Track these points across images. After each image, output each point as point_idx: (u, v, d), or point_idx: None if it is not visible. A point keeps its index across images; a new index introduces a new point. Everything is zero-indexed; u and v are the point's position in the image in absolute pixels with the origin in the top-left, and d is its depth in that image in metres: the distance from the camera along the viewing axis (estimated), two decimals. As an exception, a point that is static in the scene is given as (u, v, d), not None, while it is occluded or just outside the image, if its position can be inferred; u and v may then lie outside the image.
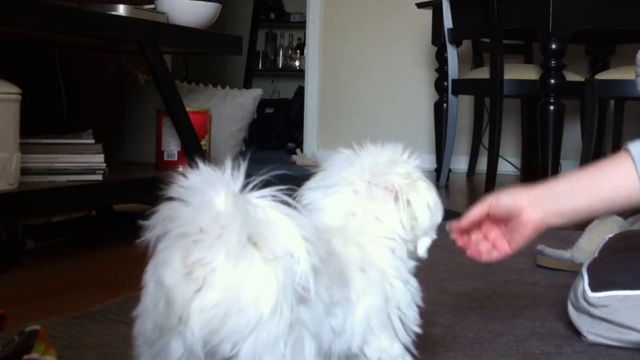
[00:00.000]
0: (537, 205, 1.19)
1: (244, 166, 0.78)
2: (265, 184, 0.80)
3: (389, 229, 0.94)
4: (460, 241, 1.22)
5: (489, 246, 1.22)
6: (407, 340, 0.93)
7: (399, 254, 0.95)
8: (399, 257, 0.94)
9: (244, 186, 0.77)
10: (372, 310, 0.89)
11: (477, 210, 1.20)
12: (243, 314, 0.72)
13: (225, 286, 0.72)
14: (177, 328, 0.72)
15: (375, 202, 0.94)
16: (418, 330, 0.94)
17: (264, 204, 0.77)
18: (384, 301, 0.91)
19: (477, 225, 1.22)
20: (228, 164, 0.77)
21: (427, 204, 0.96)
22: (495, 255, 1.22)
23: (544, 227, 1.20)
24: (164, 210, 0.76)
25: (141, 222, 0.76)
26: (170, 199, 0.76)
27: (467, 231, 1.22)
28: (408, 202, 0.94)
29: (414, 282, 0.96)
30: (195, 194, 0.75)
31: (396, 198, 0.94)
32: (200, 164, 0.77)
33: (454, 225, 1.20)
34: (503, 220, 1.21)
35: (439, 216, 0.98)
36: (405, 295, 0.93)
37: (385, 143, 0.98)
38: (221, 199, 0.74)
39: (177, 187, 0.75)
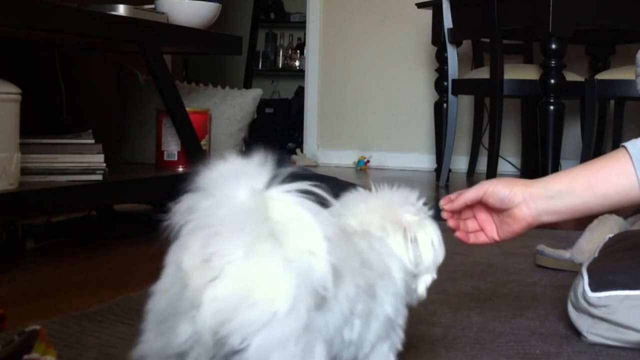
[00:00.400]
0: (532, 203, 1.19)
1: (271, 159, 0.77)
2: (294, 178, 0.79)
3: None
4: (451, 222, 1.22)
5: (477, 227, 1.24)
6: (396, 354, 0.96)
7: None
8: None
9: (271, 180, 0.77)
10: (386, 321, 0.92)
11: (471, 194, 1.21)
12: (255, 309, 0.72)
13: (239, 279, 0.72)
14: (189, 312, 0.73)
15: (385, 233, 0.99)
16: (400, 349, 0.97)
17: (288, 199, 0.76)
18: (394, 313, 0.93)
19: (469, 205, 1.23)
20: (256, 157, 0.77)
21: (432, 241, 1.01)
22: (482, 239, 1.24)
23: (537, 224, 1.21)
24: (187, 201, 0.77)
25: (162, 215, 0.77)
26: (195, 190, 0.76)
27: (458, 211, 1.23)
28: (415, 238, 1.00)
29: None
30: (219, 187, 0.75)
31: (405, 234, 0.99)
32: (229, 156, 0.77)
33: (447, 204, 1.21)
34: (494, 209, 1.22)
35: (441, 256, 1.03)
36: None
37: (399, 186, 1.03)
38: (243, 193, 0.74)
39: (203, 179, 0.76)
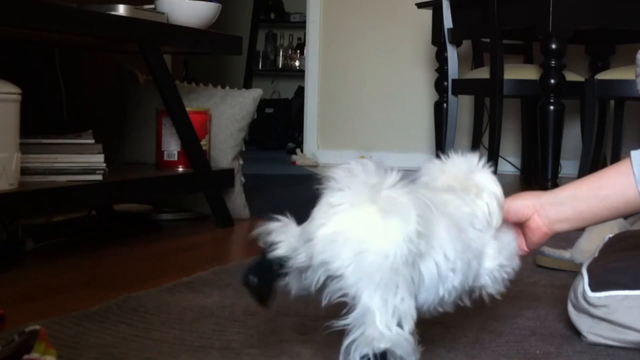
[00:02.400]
0: (543, 213, 1.24)
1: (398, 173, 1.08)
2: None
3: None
4: None
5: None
6: None
7: None
8: None
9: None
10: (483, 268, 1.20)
11: None
12: (348, 246, 1.00)
13: (340, 224, 1.02)
14: (308, 242, 1.03)
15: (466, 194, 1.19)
16: None
17: (401, 188, 1.05)
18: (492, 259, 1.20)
19: None
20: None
21: (497, 198, 1.21)
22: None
23: (552, 233, 1.26)
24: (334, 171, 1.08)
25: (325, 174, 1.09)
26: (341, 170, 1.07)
27: None
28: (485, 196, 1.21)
29: None
30: (358, 172, 1.06)
31: (478, 194, 1.20)
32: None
33: None
34: (515, 223, 1.27)
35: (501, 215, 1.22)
36: None
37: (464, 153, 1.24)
38: (370, 180, 1.05)
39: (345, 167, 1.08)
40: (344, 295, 1.02)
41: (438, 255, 1.07)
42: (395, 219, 1.01)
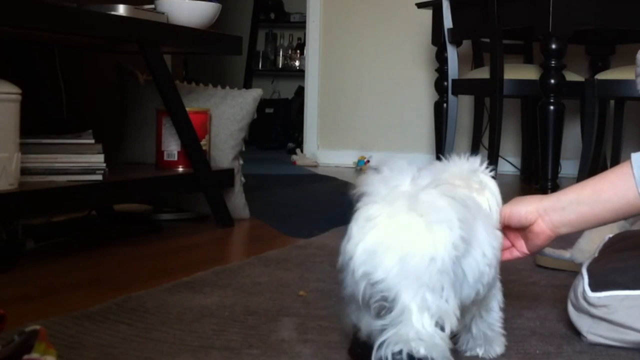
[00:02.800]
0: (547, 217, 1.25)
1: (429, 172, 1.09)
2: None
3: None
4: None
5: (509, 244, 1.31)
6: None
7: None
8: None
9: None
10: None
11: None
12: (391, 252, 1.00)
13: (380, 235, 1.01)
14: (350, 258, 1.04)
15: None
16: None
17: (435, 192, 1.05)
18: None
19: None
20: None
21: (496, 198, 1.24)
22: (515, 254, 1.31)
23: (556, 236, 1.27)
24: (368, 185, 1.07)
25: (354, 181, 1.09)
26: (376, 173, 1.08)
27: None
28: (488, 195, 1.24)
29: None
30: (391, 181, 1.06)
31: (481, 191, 1.22)
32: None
33: None
34: (518, 228, 1.28)
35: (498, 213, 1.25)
36: None
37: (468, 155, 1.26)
38: (407, 184, 1.05)
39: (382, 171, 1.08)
40: (383, 298, 1.02)
41: (477, 253, 1.08)
42: (439, 226, 1.01)
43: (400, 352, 0.99)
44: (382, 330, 1.02)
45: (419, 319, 1.00)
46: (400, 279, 1.00)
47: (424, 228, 1.01)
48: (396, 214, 1.02)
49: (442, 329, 1.01)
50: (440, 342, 1.01)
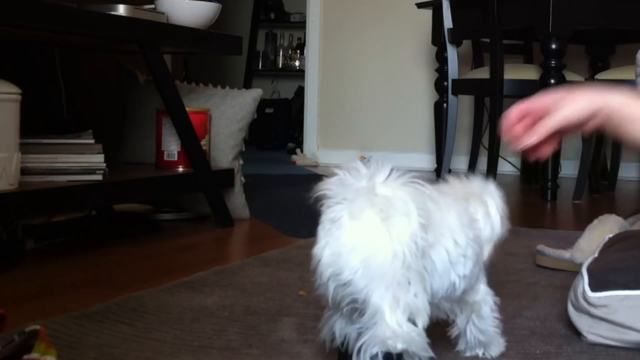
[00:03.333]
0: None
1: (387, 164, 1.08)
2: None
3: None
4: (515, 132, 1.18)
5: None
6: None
7: None
8: None
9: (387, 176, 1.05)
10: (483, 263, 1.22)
11: (556, 124, 1.14)
12: (354, 254, 1.00)
13: (343, 237, 1.01)
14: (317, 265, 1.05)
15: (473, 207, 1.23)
16: None
17: (394, 183, 1.04)
18: (488, 258, 1.26)
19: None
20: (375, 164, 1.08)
21: (500, 217, 1.26)
22: (546, 151, 1.18)
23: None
24: (328, 186, 1.07)
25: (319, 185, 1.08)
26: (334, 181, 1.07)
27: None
28: (489, 213, 1.25)
29: None
30: (349, 179, 1.05)
31: (485, 209, 1.24)
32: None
33: (526, 140, 1.16)
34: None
35: (505, 229, 1.28)
36: None
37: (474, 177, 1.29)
38: (363, 182, 1.04)
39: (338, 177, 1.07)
40: (353, 301, 1.02)
41: (448, 241, 1.08)
42: (397, 219, 1.01)
43: (376, 354, 0.99)
44: (359, 334, 1.03)
45: (393, 318, 1.00)
46: (367, 281, 1.00)
47: (382, 224, 1.01)
48: (357, 213, 1.01)
49: (415, 324, 1.02)
50: (417, 336, 1.01)
